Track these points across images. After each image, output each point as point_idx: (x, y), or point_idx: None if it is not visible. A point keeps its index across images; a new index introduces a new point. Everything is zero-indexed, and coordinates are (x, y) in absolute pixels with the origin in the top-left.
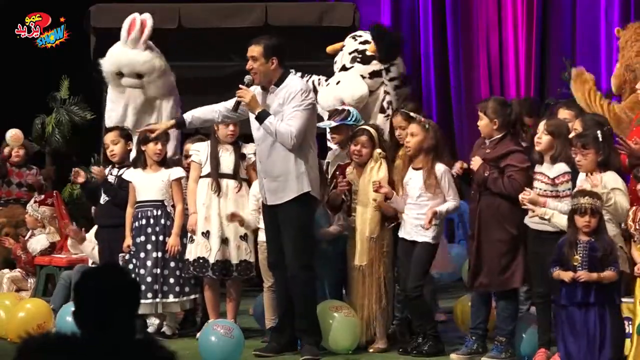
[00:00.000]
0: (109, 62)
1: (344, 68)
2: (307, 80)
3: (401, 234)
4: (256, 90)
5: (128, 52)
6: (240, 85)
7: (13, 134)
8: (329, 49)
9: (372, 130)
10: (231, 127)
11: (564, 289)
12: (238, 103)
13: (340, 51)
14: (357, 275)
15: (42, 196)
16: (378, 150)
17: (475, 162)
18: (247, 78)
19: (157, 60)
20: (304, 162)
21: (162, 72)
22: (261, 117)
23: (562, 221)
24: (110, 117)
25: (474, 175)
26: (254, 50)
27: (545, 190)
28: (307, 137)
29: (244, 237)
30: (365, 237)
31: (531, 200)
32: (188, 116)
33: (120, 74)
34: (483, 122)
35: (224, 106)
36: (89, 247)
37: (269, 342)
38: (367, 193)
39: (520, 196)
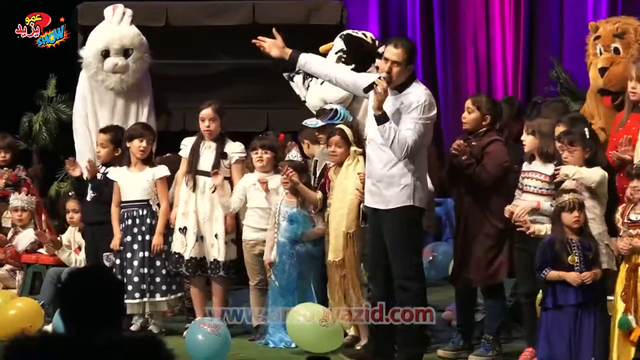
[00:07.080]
0: (95, 40)
1: None
2: (309, 83)
3: None
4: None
5: (116, 27)
6: (384, 76)
7: None
8: (322, 48)
9: (346, 129)
10: (206, 123)
11: (557, 290)
12: (371, 87)
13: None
14: (333, 272)
15: (17, 192)
16: (354, 148)
17: (458, 143)
18: (384, 75)
19: (144, 38)
20: (411, 174)
21: (146, 50)
22: (382, 118)
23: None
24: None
25: (454, 157)
26: (397, 54)
27: (541, 189)
28: (422, 150)
29: (217, 237)
30: (341, 232)
31: (524, 209)
32: (304, 57)
33: (105, 54)
34: (473, 116)
35: (348, 76)
36: (65, 254)
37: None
38: (342, 190)
39: (507, 212)
